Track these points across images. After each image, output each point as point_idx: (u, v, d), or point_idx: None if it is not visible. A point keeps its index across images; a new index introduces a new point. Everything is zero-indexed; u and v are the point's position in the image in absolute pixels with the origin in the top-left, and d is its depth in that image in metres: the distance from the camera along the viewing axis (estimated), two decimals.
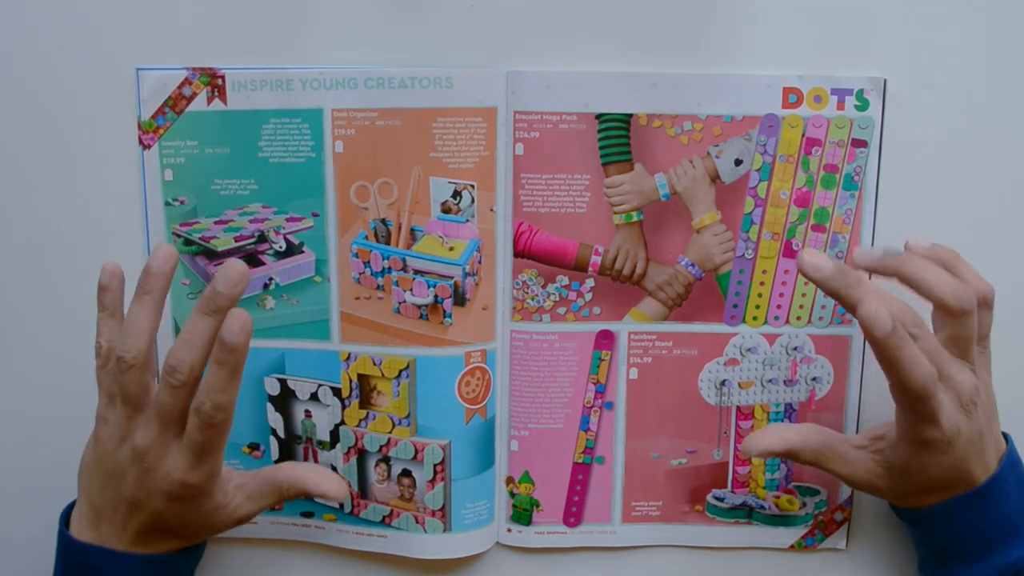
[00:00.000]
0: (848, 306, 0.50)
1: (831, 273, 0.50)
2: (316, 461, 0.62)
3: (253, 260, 0.60)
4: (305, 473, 0.54)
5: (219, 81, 0.57)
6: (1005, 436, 0.56)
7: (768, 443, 0.54)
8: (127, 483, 0.50)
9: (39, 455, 0.63)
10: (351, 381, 0.61)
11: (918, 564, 0.60)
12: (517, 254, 0.60)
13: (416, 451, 0.61)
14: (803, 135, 0.58)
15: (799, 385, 0.62)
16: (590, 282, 0.60)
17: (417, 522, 0.62)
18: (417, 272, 0.60)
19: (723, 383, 0.62)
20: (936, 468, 0.52)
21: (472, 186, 0.59)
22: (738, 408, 0.62)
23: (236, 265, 0.48)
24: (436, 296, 0.60)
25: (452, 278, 0.59)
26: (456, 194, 0.59)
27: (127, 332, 0.49)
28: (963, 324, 0.51)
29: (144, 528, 0.51)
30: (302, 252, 0.60)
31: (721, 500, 0.63)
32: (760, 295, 0.61)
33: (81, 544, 0.51)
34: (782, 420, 0.62)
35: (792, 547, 0.64)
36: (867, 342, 0.49)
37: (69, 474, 0.63)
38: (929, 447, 0.51)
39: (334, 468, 0.62)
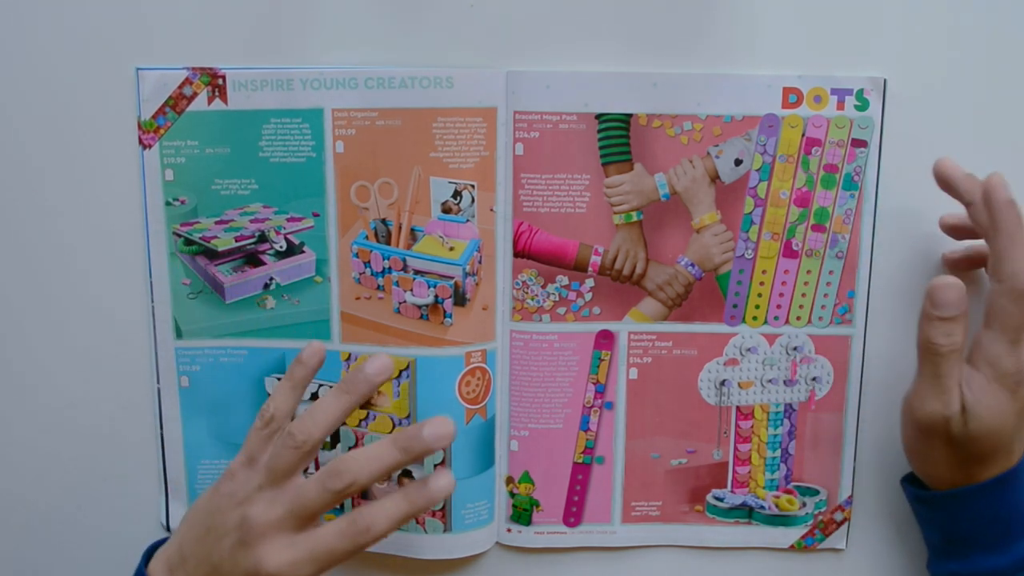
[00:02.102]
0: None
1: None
2: (316, 461, 0.63)
3: (254, 260, 0.60)
4: None
5: (220, 81, 0.57)
6: None
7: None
8: (221, 547, 0.49)
9: (39, 455, 0.63)
10: None
11: (927, 560, 0.59)
12: (517, 254, 0.60)
13: None
14: (803, 135, 0.58)
15: (799, 385, 0.62)
16: (590, 282, 0.60)
17: (417, 522, 0.62)
18: (417, 272, 0.60)
19: (723, 383, 0.62)
20: (999, 414, 0.52)
21: (472, 186, 0.59)
22: (738, 408, 0.62)
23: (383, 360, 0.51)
24: (436, 296, 0.60)
25: (452, 278, 0.59)
26: (456, 194, 0.59)
27: (312, 414, 0.50)
28: None
29: None
30: (302, 252, 0.60)
31: (721, 500, 0.63)
32: (760, 295, 0.61)
33: None
34: (782, 420, 0.62)
35: (792, 547, 0.64)
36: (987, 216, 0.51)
37: (75, 480, 0.63)
38: (1001, 381, 0.51)
39: None
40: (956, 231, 0.58)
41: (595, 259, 0.60)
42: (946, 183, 0.55)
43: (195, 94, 0.58)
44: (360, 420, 0.61)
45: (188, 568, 0.50)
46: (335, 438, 0.62)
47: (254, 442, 0.51)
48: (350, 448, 0.62)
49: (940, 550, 0.58)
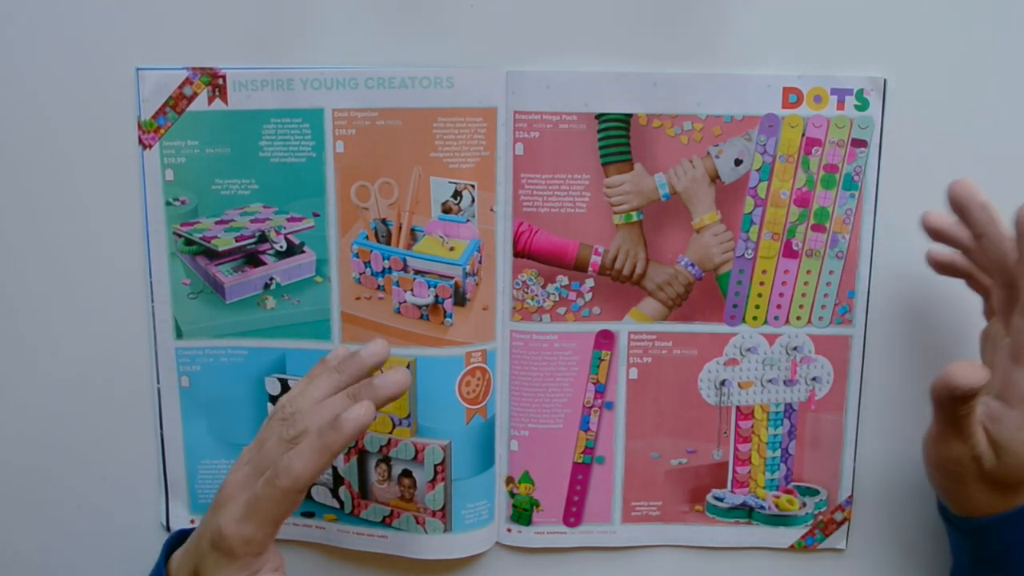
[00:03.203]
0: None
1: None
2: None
3: (254, 260, 0.60)
4: None
5: (220, 81, 0.57)
6: None
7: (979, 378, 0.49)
8: (207, 514, 0.50)
9: (39, 455, 0.62)
10: None
11: (951, 571, 0.58)
12: (517, 254, 0.60)
13: (416, 451, 0.61)
14: (803, 135, 0.58)
15: (799, 385, 0.62)
16: (590, 282, 0.60)
17: (417, 522, 0.62)
18: (418, 272, 0.60)
19: (723, 383, 0.62)
20: None
21: (472, 186, 0.59)
22: (738, 408, 0.62)
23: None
24: (437, 296, 0.60)
25: (452, 278, 0.59)
26: (456, 194, 0.59)
27: (304, 389, 0.51)
28: None
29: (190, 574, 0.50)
30: (303, 252, 0.60)
31: (721, 500, 0.63)
32: (760, 295, 0.61)
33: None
34: (782, 420, 0.62)
35: (792, 547, 0.64)
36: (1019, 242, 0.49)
37: (74, 481, 0.63)
38: None
39: (334, 468, 0.62)
40: (939, 236, 0.55)
41: (595, 259, 0.60)
42: (960, 208, 0.52)
43: (195, 94, 0.58)
44: None
45: (190, 545, 0.51)
46: None
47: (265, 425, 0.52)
48: (350, 448, 0.62)
49: (964, 569, 0.56)
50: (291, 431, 0.49)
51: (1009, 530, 0.52)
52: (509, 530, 0.64)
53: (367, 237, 0.60)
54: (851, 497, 0.63)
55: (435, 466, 0.61)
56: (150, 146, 0.58)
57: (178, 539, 0.53)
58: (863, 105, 0.58)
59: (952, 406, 0.49)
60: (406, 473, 0.62)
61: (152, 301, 0.60)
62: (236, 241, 0.60)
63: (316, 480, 0.49)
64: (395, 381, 0.50)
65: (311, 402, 0.51)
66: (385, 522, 0.62)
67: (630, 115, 0.58)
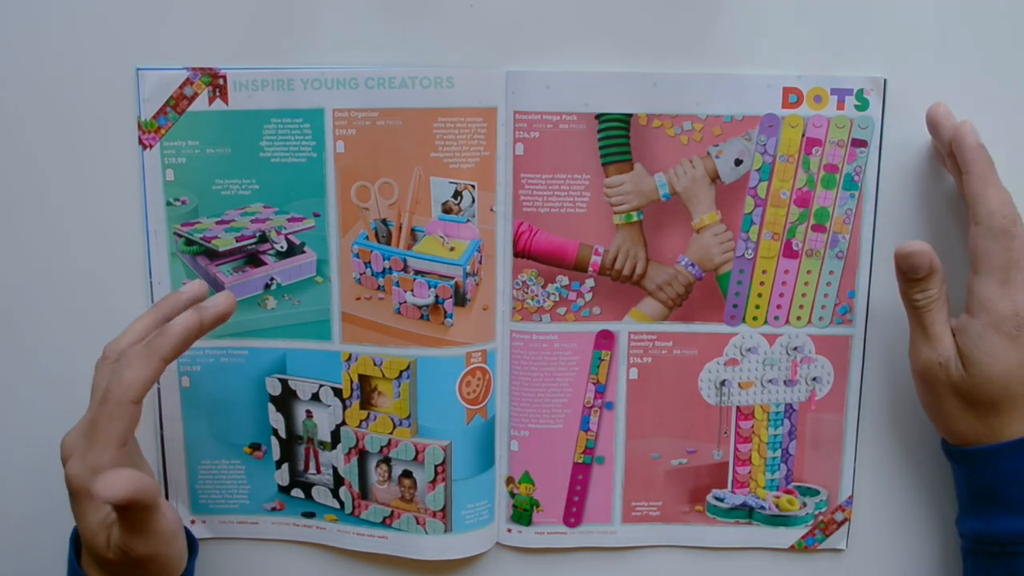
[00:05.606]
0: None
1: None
2: (317, 461, 0.63)
3: (254, 260, 0.60)
4: None
5: (220, 81, 0.57)
6: None
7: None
8: None
9: (39, 455, 0.62)
10: (352, 381, 0.61)
11: (956, 518, 0.59)
12: (517, 254, 0.60)
13: (417, 452, 0.61)
14: (803, 135, 0.59)
15: (799, 385, 0.62)
16: (590, 282, 0.60)
17: (418, 523, 0.62)
18: (418, 272, 0.60)
19: (723, 383, 0.62)
20: (1002, 362, 0.52)
21: (473, 186, 0.59)
22: (738, 408, 0.62)
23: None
24: (437, 296, 0.60)
25: (453, 278, 0.60)
26: (457, 194, 0.59)
27: (123, 333, 0.53)
28: None
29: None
30: (303, 252, 0.60)
31: (721, 500, 0.63)
32: (760, 295, 0.61)
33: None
34: (782, 420, 0.62)
35: (792, 547, 0.64)
36: (957, 160, 0.54)
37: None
38: (999, 327, 0.52)
39: (335, 469, 0.62)
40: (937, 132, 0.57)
41: (595, 259, 0.60)
42: (934, 128, 0.56)
43: (196, 94, 0.58)
44: (361, 421, 0.61)
45: None
46: (335, 438, 0.62)
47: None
48: (351, 448, 0.62)
49: (967, 507, 0.57)
50: (112, 359, 0.51)
51: (997, 461, 0.54)
52: (509, 530, 0.64)
53: (367, 237, 0.60)
54: (851, 497, 0.63)
55: (435, 466, 0.61)
56: (150, 146, 0.59)
57: None
58: (863, 105, 0.58)
59: (907, 290, 0.54)
60: (406, 474, 0.62)
61: (152, 301, 0.60)
62: (236, 241, 0.60)
63: (147, 391, 0.49)
64: (220, 302, 0.51)
65: (132, 335, 0.52)
66: (385, 523, 0.62)
67: (630, 115, 0.58)
